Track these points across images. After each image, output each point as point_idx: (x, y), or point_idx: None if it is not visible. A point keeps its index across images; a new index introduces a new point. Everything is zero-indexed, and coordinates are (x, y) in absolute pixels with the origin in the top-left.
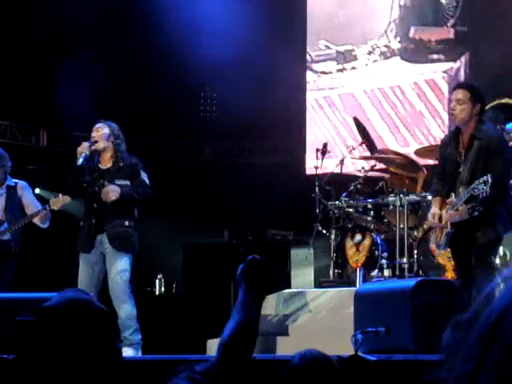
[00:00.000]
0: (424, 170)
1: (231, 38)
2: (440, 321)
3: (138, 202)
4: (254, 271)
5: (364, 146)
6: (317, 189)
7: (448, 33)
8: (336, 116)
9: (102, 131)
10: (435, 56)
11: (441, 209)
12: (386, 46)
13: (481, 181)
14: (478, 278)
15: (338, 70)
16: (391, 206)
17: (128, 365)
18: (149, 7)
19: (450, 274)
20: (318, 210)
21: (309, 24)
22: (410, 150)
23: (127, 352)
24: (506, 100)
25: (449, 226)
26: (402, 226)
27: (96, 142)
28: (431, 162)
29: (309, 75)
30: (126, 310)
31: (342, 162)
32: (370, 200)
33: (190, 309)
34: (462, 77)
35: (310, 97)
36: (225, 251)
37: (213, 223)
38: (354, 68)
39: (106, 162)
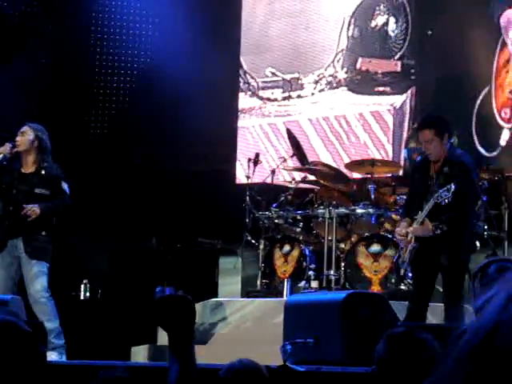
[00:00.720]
0: (353, 183)
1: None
2: (369, 333)
3: (57, 210)
4: (165, 314)
5: (295, 157)
6: (247, 198)
7: (395, 65)
8: (280, 143)
9: (26, 136)
10: (381, 88)
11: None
12: (332, 75)
13: (444, 188)
14: (447, 307)
15: (284, 98)
16: (320, 218)
17: (52, 368)
18: (71, 8)
19: (375, 288)
20: (247, 220)
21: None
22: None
23: (51, 356)
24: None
25: (413, 241)
26: (330, 238)
27: (19, 145)
28: (360, 175)
29: (255, 102)
30: (45, 314)
31: (273, 172)
32: (300, 211)
33: (114, 315)
34: (407, 110)
35: (255, 123)
36: (152, 257)
37: (141, 229)
38: (300, 96)
39: (28, 167)
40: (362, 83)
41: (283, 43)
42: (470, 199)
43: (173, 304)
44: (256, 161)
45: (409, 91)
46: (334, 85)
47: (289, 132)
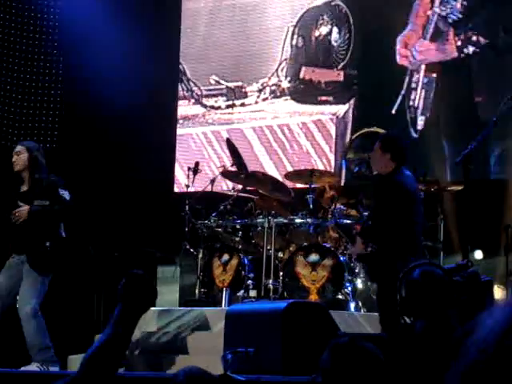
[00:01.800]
0: (292, 193)
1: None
2: (309, 343)
3: (59, 217)
4: (133, 286)
5: (235, 166)
6: (186, 207)
7: (338, 75)
8: (224, 151)
9: (21, 155)
10: (324, 98)
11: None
12: (276, 84)
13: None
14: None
15: (228, 106)
16: (259, 228)
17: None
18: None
19: (313, 297)
20: (186, 229)
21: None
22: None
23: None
24: (374, 129)
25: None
26: (269, 248)
27: (15, 165)
28: (300, 185)
29: (198, 109)
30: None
31: (212, 181)
32: (239, 221)
33: (51, 323)
34: (350, 120)
35: (199, 130)
36: (89, 266)
37: (78, 238)
38: (243, 105)
39: (25, 185)
40: (305, 92)
41: (227, 52)
42: (389, 218)
43: (138, 280)
44: (196, 169)
45: (351, 101)
46: (278, 94)
47: (228, 141)
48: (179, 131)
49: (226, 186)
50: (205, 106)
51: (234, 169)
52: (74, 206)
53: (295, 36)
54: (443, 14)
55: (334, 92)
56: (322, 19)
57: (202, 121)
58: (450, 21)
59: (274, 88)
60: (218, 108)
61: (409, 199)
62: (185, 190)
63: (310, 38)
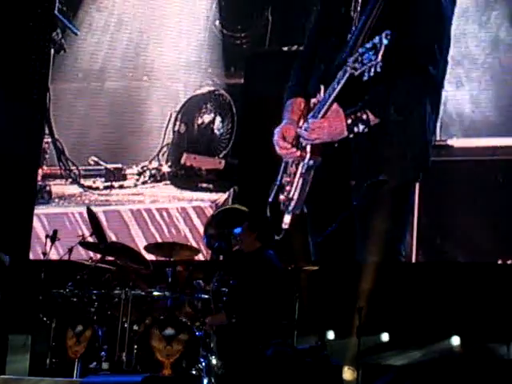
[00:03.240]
0: (151, 265)
1: None
2: None
3: None
4: None
5: (95, 236)
6: (42, 275)
7: (219, 163)
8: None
9: None
10: (205, 185)
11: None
12: (156, 168)
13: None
14: None
15: (106, 187)
16: (116, 299)
17: None
18: None
19: (167, 371)
20: (40, 297)
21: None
22: None
23: None
24: (236, 205)
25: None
26: (124, 320)
27: None
28: (162, 258)
29: (75, 189)
30: None
31: (70, 250)
32: (96, 291)
33: None
34: None
35: (75, 210)
36: None
37: None
38: (122, 187)
39: None
40: (185, 178)
41: (108, 133)
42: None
43: None
44: (53, 238)
45: (231, 189)
46: (158, 178)
47: (89, 210)
48: (54, 210)
49: (85, 255)
50: (82, 186)
51: (93, 239)
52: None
53: (178, 122)
54: (357, 73)
55: (214, 180)
56: (206, 107)
57: (79, 200)
58: (365, 79)
59: (154, 172)
60: (96, 189)
61: (276, 275)
62: (41, 257)
63: (193, 124)
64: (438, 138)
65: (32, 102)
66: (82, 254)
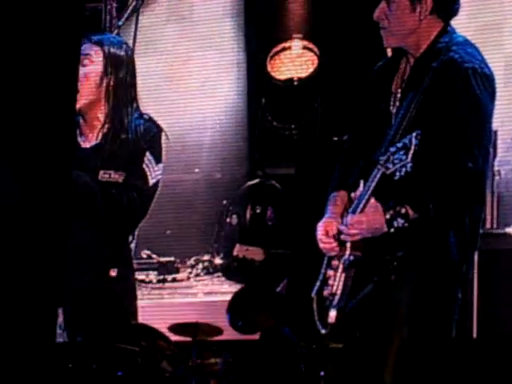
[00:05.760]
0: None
1: None
2: None
3: None
4: None
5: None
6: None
7: (271, 254)
8: None
9: None
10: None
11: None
12: (209, 261)
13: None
14: None
15: (159, 281)
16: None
17: None
18: None
19: None
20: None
21: None
22: None
23: None
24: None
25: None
26: None
27: None
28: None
29: None
30: None
31: None
32: (120, 372)
33: None
34: None
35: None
36: None
37: None
38: (175, 280)
39: None
40: (238, 270)
41: (159, 227)
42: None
43: None
44: None
45: (285, 281)
46: (211, 270)
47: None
48: None
49: None
50: (135, 281)
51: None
52: None
53: (229, 213)
54: (388, 172)
55: (266, 271)
56: (257, 198)
57: None
58: (396, 178)
59: (206, 264)
60: (149, 282)
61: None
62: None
63: (245, 216)
64: (495, 227)
65: None
66: None
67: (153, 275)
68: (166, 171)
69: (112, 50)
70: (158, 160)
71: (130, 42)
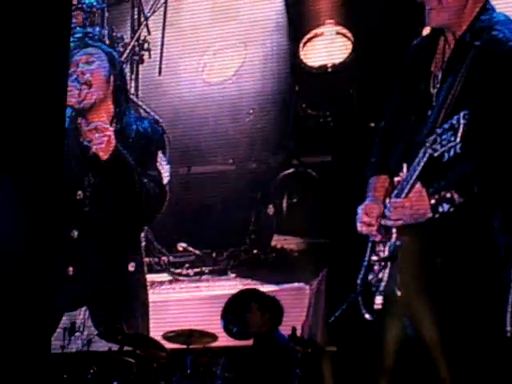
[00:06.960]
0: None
1: None
2: None
3: None
4: None
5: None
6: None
7: (310, 244)
8: None
9: None
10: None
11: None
12: (245, 252)
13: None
14: None
15: (196, 274)
16: None
17: None
18: None
19: None
20: None
21: None
22: None
23: None
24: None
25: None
26: None
27: None
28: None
29: (165, 277)
30: None
31: (89, 341)
32: (115, 383)
33: None
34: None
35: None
36: None
37: None
38: (212, 272)
39: None
40: (276, 261)
41: (194, 219)
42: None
43: None
44: (72, 330)
45: (324, 271)
46: (249, 262)
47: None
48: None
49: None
50: (172, 274)
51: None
52: None
53: (266, 204)
54: (436, 154)
55: (306, 261)
56: (294, 187)
57: (169, 290)
58: (445, 159)
59: (244, 257)
60: (187, 275)
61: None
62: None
63: (282, 206)
64: None
65: None
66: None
67: (190, 268)
68: (201, 163)
69: (109, 50)
70: (167, 161)
71: (159, 33)
